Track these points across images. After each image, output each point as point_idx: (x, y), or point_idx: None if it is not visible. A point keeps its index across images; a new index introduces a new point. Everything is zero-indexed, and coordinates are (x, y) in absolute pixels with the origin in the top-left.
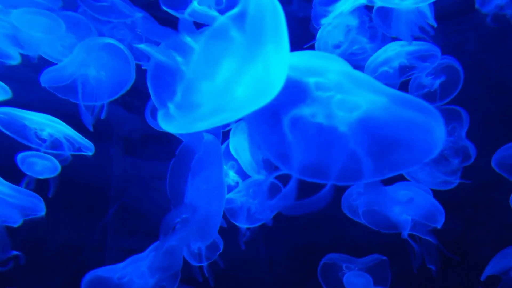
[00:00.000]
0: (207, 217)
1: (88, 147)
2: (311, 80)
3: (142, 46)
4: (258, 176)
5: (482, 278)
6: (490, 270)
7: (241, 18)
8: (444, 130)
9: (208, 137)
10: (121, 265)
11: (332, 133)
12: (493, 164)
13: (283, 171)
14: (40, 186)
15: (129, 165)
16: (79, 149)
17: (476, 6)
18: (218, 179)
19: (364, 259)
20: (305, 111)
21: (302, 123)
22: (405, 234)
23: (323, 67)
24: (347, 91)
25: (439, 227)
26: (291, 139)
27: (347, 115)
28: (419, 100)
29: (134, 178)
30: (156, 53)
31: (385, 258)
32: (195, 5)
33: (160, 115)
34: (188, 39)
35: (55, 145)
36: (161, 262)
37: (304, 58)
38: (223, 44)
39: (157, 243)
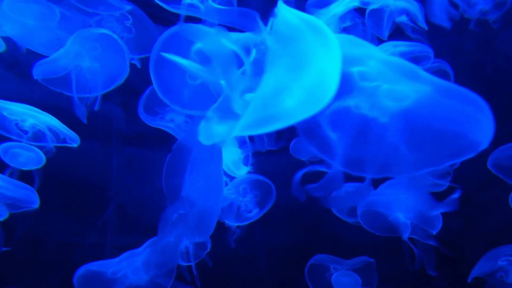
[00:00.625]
0: (205, 211)
1: (73, 138)
2: (355, 70)
3: (171, 56)
4: (243, 172)
5: (469, 279)
6: (476, 271)
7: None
8: (492, 120)
9: None
10: (115, 260)
11: (377, 124)
12: (489, 165)
13: (325, 163)
14: (27, 180)
15: (126, 162)
16: (64, 141)
17: (460, 10)
18: (216, 174)
19: (352, 261)
20: (349, 102)
21: (346, 114)
22: (405, 236)
23: (363, 54)
24: (391, 80)
25: (434, 233)
26: (335, 130)
27: (394, 105)
28: (463, 89)
29: (131, 175)
30: (190, 66)
31: (372, 260)
32: (210, 2)
33: (201, 130)
34: (225, 42)
35: (38, 136)
36: (157, 258)
37: (343, 44)
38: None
39: (154, 239)
